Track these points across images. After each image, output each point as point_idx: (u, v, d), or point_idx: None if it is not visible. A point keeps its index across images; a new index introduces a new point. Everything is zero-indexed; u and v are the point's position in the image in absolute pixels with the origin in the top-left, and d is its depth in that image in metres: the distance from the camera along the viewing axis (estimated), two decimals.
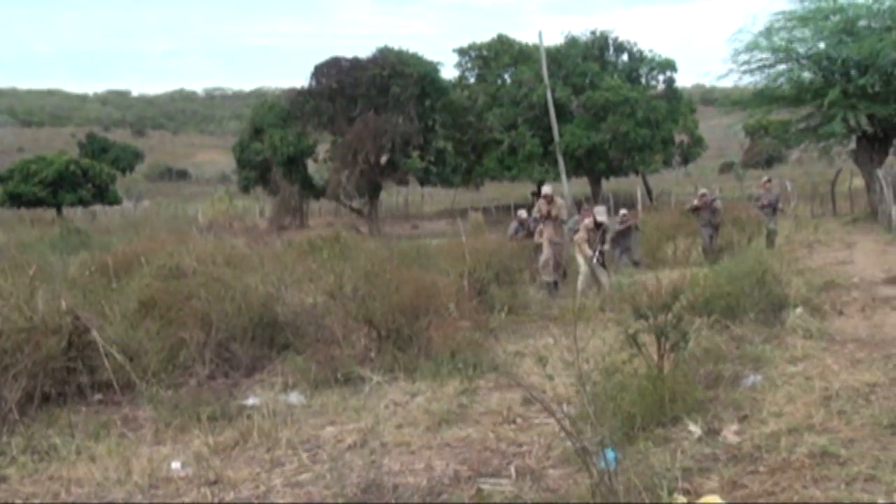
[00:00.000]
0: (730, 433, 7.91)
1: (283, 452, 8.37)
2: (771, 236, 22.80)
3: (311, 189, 51.00)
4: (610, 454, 6.98)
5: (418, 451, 8.26)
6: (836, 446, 7.31)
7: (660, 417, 8.11)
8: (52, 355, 10.52)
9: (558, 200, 19.45)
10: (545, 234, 18.71)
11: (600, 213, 18.01)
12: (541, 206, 19.08)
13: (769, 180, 24.79)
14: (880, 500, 6.23)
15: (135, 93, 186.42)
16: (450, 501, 6.90)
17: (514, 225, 23.64)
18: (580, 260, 17.91)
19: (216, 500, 7.19)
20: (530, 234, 21.30)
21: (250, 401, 10.18)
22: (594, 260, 17.50)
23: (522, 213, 22.88)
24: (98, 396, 10.60)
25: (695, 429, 7.98)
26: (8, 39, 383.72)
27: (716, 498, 6.40)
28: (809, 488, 6.53)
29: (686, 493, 6.42)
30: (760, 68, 34.87)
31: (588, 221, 17.87)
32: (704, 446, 7.60)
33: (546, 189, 19.56)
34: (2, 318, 10.86)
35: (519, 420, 8.96)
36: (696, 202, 22.73)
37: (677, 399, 8.37)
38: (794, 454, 7.16)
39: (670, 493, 6.31)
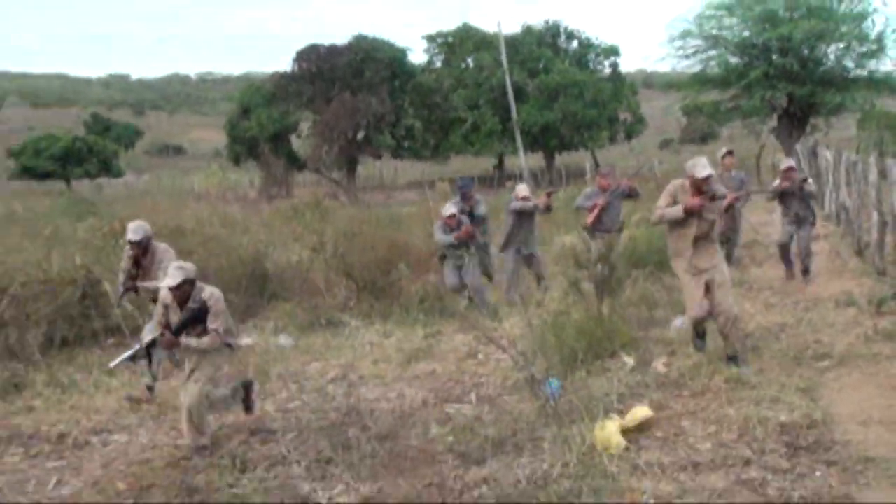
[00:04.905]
0: (659, 365, 8.19)
1: (274, 384, 8.61)
2: None
3: (295, 162, 50.81)
4: (555, 382, 7.29)
5: (392, 382, 8.52)
6: (749, 375, 7.65)
7: (599, 352, 8.36)
8: (67, 304, 10.69)
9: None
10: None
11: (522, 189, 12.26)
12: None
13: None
14: (782, 417, 6.56)
15: (134, 76, 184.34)
16: (418, 422, 7.16)
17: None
18: None
19: (216, 424, 7.42)
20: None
21: (245, 341, 10.36)
22: None
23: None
24: (111, 340, 10.72)
25: (629, 361, 8.27)
26: (20, 27, 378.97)
27: (645, 409, 6.71)
28: (725, 408, 6.84)
29: (620, 413, 6.69)
30: (694, 53, 35.09)
31: None
32: (637, 375, 7.88)
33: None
34: (23, 274, 11.01)
35: (479, 356, 9.22)
36: (780, 183, 12.22)
37: (614, 337, 8.64)
38: (713, 381, 7.47)
39: (606, 413, 6.58)
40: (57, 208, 28.97)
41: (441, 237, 11.40)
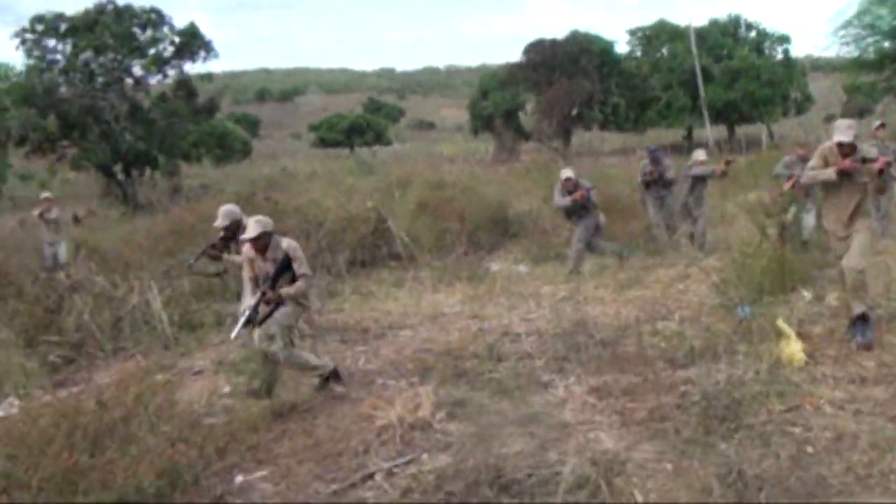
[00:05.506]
0: (832, 298, 7.76)
1: (517, 301, 8.83)
2: None
3: (522, 133, 50.73)
4: (745, 308, 7.09)
5: (610, 303, 8.52)
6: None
7: (782, 286, 8.02)
8: (363, 235, 11.37)
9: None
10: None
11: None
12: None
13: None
14: None
15: (398, 69, 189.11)
16: (633, 333, 7.17)
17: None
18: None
19: (476, 327, 7.74)
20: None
21: (493, 268, 10.65)
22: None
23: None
24: (393, 263, 11.33)
25: (806, 294, 7.89)
26: (316, 33, 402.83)
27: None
28: (886, 335, 6.48)
29: (798, 335, 6.45)
30: (854, 41, 32.44)
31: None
32: (813, 306, 7.53)
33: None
34: (332, 213, 11.80)
35: (680, 286, 9.04)
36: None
37: (794, 274, 8.25)
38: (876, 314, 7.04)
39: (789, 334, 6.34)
40: (345, 168, 30.53)
41: (558, 199, 10.21)
